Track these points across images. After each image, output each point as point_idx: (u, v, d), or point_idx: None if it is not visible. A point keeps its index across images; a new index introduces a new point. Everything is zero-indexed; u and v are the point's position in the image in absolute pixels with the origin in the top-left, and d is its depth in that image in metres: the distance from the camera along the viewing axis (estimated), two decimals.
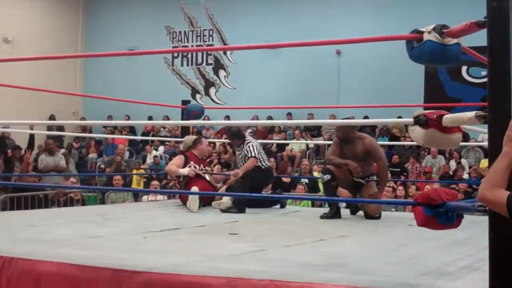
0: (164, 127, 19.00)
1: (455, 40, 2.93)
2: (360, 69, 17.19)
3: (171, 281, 3.26)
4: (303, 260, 3.73)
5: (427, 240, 4.55)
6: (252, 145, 7.51)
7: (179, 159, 7.86)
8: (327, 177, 6.50)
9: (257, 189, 7.39)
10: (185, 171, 7.50)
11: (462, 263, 3.76)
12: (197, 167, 7.61)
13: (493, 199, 2.31)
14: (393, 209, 8.40)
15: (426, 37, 2.92)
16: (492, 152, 2.58)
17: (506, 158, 2.36)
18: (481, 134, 12.34)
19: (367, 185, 6.60)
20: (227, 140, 9.59)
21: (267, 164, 7.63)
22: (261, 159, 7.51)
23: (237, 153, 7.88)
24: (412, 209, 3.09)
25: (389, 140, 15.25)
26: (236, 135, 7.82)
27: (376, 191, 6.60)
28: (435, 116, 3.02)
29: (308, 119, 16.23)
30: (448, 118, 2.98)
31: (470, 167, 13.30)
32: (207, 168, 7.83)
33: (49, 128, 18.24)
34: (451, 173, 12.97)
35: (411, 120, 3.13)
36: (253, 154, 7.45)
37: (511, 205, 2.26)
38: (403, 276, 3.22)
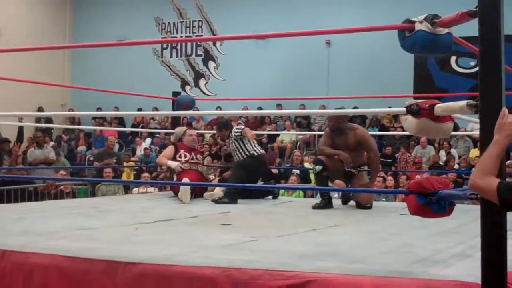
0: (153, 119, 18.97)
1: (446, 30, 2.94)
2: (349, 59, 17.22)
3: (164, 272, 3.27)
4: (296, 250, 3.74)
5: (418, 228, 4.58)
6: (238, 128, 7.54)
7: (169, 150, 7.85)
8: (318, 167, 6.52)
9: (252, 177, 7.40)
10: (172, 164, 7.49)
11: (454, 250, 3.79)
12: (187, 155, 7.60)
13: (484, 186, 2.34)
14: (384, 199, 8.44)
15: (417, 27, 2.94)
16: (483, 140, 2.61)
17: (497, 146, 2.39)
18: (470, 124, 12.40)
19: (358, 175, 6.63)
20: (214, 132, 9.53)
21: (260, 151, 7.60)
22: (253, 146, 7.48)
23: (229, 146, 7.87)
24: (404, 198, 3.11)
25: (379, 131, 15.30)
26: (223, 124, 7.81)
27: (367, 181, 6.63)
28: (427, 105, 3.04)
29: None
30: (440, 107, 3.00)
31: (459, 157, 13.36)
32: (198, 157, 7.80)
33: (38, 120, 18.17)
34: (441, 163, 13.03)
35: (403, 109, 3.14)
36: (243, 127, 7.51)
37: (501, 192, 2.29)
38: (395, 264, 3.24)
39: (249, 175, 7.27)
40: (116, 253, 3.61)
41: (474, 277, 2.74)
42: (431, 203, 2.96)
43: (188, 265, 3.26)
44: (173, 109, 8.51)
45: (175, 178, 7.45)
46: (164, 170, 8.65)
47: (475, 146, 13.15)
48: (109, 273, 3.45)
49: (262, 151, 7.82)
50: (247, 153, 7.39)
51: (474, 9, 2.68)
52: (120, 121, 19.51)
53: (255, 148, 7.47)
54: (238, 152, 7.44)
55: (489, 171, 2.35)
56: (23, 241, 4.06)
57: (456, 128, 13.45)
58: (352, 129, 6.63)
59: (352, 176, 6.65)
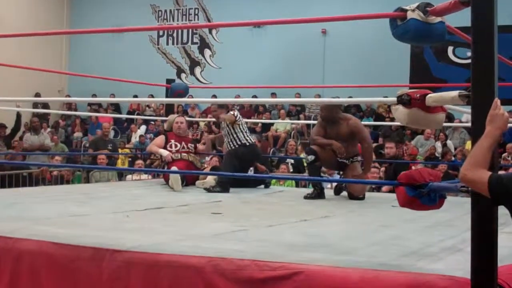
0: (149, 106, 18.92)
1: (439, 19, 2.90)
2: (345, 49, 17.16)
3: (151, 260, 3.24)
4: (285, 240, 3.71)
5: (410, 221, 4.55)
6: (234, 113, 7.47)
7: (159, 139, 7.83)
8: (311, 157, 6.48)
9: (244, 167, 7.37)
10: (163, 152, 7.46)
11: (445, 244, 3.75)
12: (178, 145, 7.56)
13: (474, 179, 2.30)
14: (374, 190, 8.42)
15: (410, 15, 2.89)
16: (476, 132, 2.56)
17: (489, 138, 2.35)
18: (465, 115, 12.36)
19: (351, 165, 6.60)
20: (212, 119, 9.43)
21: (251, 141, 7.55)
22: (245, 134, 7.43)
23: (222, 131, 7.79)
24: (394, 189, 3.07)
25: (375, 120, 15.26)
26: (221, 105, 7.75)
27: (360, 171, 6.60)
28: (418, 96, 2.99)
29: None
30: (432, 97, 2.95)
31: (455, 149, 13.33)
32: (189, 145, 7.74)
33: (35, 106, 18.11)
34: (437, 154, 12.98)
35: (394, 99, 3.10)
36: (232, 112, 7.46)
37: (492, 185, 2.25)
38: (385, 257, 3.21)
39: (241, 164, 7.24)
40: (104, 240, 3.58)
41: (464, 272, 2.70)
42: (421, 196, 2.92)
43: (174, 254, 3.23)
44: (167, 97, 8.46)
45: (165, 167, 7.42)
46: (158, 157, 8.59)
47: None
48: (96, 260, 3.42)
49: (254, 141, 7.77)
50: (238, 142, 7.35)
51: None
52: (116, 108, 19.47)
53: (246, 137, 7.42)
54: (229, 140, 7.40)
55: (480, 164, 2.31)
56: (12, 227, 4.02)
57: (451, 119, 13.43)
58: (345, 119, 6.59)
59: (345, 166, 6.62)
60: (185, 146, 7.61)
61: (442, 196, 3.01)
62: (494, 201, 2.35)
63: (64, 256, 3.51)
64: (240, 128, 7.38)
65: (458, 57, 15.00)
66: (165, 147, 7.56)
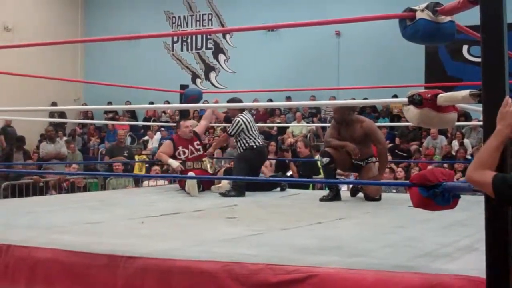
0: (165, 112, 18.97)
1: (448, 18, 2.88)
2: (360, 50, 17.11)
3: (165, 266, 3.24)
4: (299, 244, 3.69)
5: (426, 221, 4.51)
6: (238, 122, 7.42)
7: (167, 146, 7.74)
8: (325, 160, 6.45)
9: (253, 170, 7.36)
10: (173, 164, 7.41)
11: (460, 244, 3.72)
12: (186, 151, 7.52)
13: (479, 179, 2.28)
14: (394, 190, 8.37)
15: (419, 15, 2.87)
16: (487, 131, 2.54)
17: (497, 137, 2.32)
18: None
19: (366, 167, 6.57)
20: (225, 124, 9.40)
21: (259, 143, 7.52)
22: (253, 138, 7.40)
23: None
24: (407, 190, 3.05)
25: (391, 121, 15.18)
26: (233, 100, 7.75)
27: (376, 173, 6.57)
28: (429, 95, 2.97)
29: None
30: (443, 97, 2.93)
31: (472, 147, 13.24)
32: (196, 146, 7.65)
33: (51, 115, 18.21)
34: (453, 153, 12.91)
35: (405, 100, 3.08)
36: (229, 131, 7.44)
37: (496, 185, 2.22)
38: (399, 258, 3.19)
39: (251, 167, 7.24)
40: (118, 247, 3.59)
41: (479, 271, 2.68)
42: (435, 196, 2.89)
43: (188, 260, 3.23)
44: (181, 103, 8.46)
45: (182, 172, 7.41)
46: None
47: None
48: (111, 268, 3.43)
49: (262, 143, 7.70)
50: (246, 145, 7.34)
51: None
52: (132, 115, 19.53)
53: (255, 140, 7.39)
54: (238, 143, 7.43)
55: (487, 164, 2.28)
56: (27, 236, 4.05)
57: (468, 118, 13.34)
58: (358, 121, 6.56)
59: (360, 168, 6.59)
60: (193, 150, 7.56)
61: (456, 195, 2.98)
62: (500, 201, 2.32)
63: (79, 264, 3.52)
64: (247, 133, 7.35)
65: (473, 56, 14.91)
66: (173, 155, 7.52)
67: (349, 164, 6.60)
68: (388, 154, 7.21)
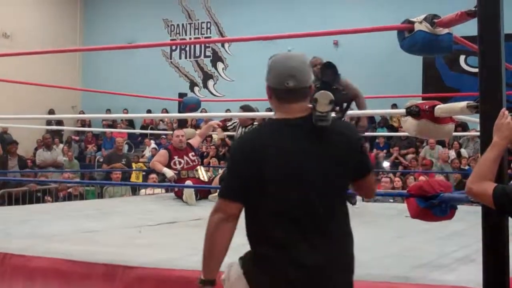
0: (162, 121, 18.96)
1: (446, 30, 2.90)
2: (358, 60, 17.13)
3: (163, 276, 3.25)
4: None
5: (424, 231, 4.52)
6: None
7: (162, 156, 7.67)
8: None
9: None
10: (168, 173, 7.36)
11: (458, 254, 3.73)
12: (182, 161, 7.52)
13: (479, 191, 2.28)
14: (391, 200, 8.37)
15: (417, 27, 2.89)
16: (484, 142, 2.55)
17: (494, 149, 2.33)
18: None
19: None
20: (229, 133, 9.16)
21: None
22: None
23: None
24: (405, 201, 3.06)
25: (389, 131, 15.17)
26: (247, 108, 7.50)
27: None
28: (427, 107, 2.99)
29: None
30: (440, 108, 2.94)
31: (469, 157, 13.25)
32: (191, 156, 7.62)
33: (48, 122, 18.20)
34: (449, 162, 12.91)
35: (403, 111, 3.10)
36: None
37: (496, 196, 2.23)
38: (397, 269, 3.20)
39: None
40: (116, 257, 3.59)
41: (476, 283, 2.69)
42: (432, 207, 2.91)
43: (186, 270, 3.23)
44: (179, 111, 8.46)
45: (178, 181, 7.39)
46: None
47: None
48: (109, 277, 3.44)
49: None
50: None
51: (474, 9, 2.63)
52: (130, 123, 19.52)
53: None
54: None
55: (486, 176, 2.29)
56: (24, 244, 4.05)
57: (466, 128, 13.36)
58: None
59: None
60: (188, 160, 7.53)
61: (453, 206, 3.00)
62: (500, 212, 2.34)
63: (77, 273, 3.53)
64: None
65: (470, 66, 14.94)
66: (169, 164, 7.50)
67: None
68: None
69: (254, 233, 2.34)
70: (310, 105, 2.22)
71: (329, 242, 2.20)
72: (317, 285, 2.17)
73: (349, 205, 2.42)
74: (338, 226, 2.26)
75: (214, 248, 2.31)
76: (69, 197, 10.10)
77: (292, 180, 2.19)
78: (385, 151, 14.37)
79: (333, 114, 2.28)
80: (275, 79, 2.28)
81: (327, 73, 2.35)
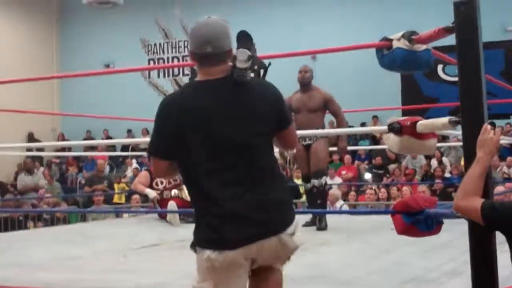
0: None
1: (424, 46, 2.90)
2: (336, 72, 17.18)
3: None
4: (286, 273, 3.65)
5: (409, 244, 4.49)
6: None
7: (144, 176, 7.68)
8: (309, 185, 6.33)
9: None
10: (150, 194, 7.36)
11: (445, 267, 3.73)
12: (164, 181, 7.47)
13: (467, 207, 2.29)
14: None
15: (395, 44, 2.89)
16: (468, 157, 2.55)
17: (479, 165, 2.34)
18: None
19: (316, 142, 6.31)
20: None
21: None
22: None
23: None
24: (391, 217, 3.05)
25: (371, 144, 15.16)
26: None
27: (324, 143, 6.32)
28: (409, 123, 2.98)
29: None
30: (422, 124, 2.94)
31: (451, 165, 13.31)
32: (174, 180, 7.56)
33: (29, 147, 18.04)
34: (432, 171, 12.97)
35: (385, 128, 3.09)
36: None
37: (485, 212, 2.23)
38: (386, 285, 3.19)
39: None
40: (101, 284, 3.55)
41: None
42: (418, 223, 2.90)
43: None
44: None
45: (157, 205, 7.35)
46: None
47: None
48: None
49: None
50: None
51: (451, 25, 2.64)
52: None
53: None
54: None
55: (472, 192, 2.29)
56: (7, 274, 3.99)
57: (446, 138, 13.44)
58: (318, 89, 6.58)
59: (310, 146, 6.34)
60: (170, 180, 7.50)
61: (439, 221, 2.99)
62: (488, 227, 2.34)
63: None
64: None
65: (448, 75, 15.04)
66: (151, 184, 7.48)
67: (303, 153, 6.39)
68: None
69: (189, 189, 2.48)
70: (231, 64, 2.36)
71: (252, 191, 2.31)
72: (242, 226, 2.29)
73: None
74: (261, 175, 2.36)
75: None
76: (52, 220, 10.00)
77: (213, 136, 2.31)
78: (366, 162, 14.40)
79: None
80: (194, 44, 2.43)
81: (243, 41, 2.44)
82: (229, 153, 2.31)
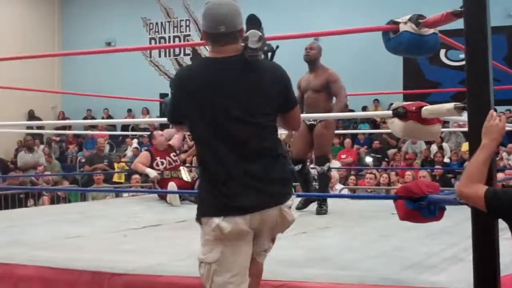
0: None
1: (431, 30, 2.87)
2: (338, 55, 17.10)
3: (150, 283, 3.22)
4: (285, 256, 3.66)
5: (410, 229, 4.48)
6: None
7: (144, 157, 7.67)
8: (298, 167, 6.24)
9: None
10: (151, 173, 7.35)
11: (446, 253, 3.73)
12: (164, 162, 7.49)
13: (470, 194, 2.28)
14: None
15: (402, 28, 2.87)
16: (472, 143, 2.53)
17: (484, 151, 2.32)
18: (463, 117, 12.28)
19: (319, 124, 6.21)
20: None
21: None
22: None
23: None
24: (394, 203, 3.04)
25: (372, 128, 15.15)
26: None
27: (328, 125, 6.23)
28: (414, 108, 2.96)
29: None
30: (427, 109, 2.92)
31: (451, 151, 13.29)
32: (173, 157, 7.60)
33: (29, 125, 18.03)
34: (432, 156, 12.95)
35: (390, 112, 3.07)
36: None
37: (488, 199, 2.22)
38: (386, 270, 3.19)
39: None
40: (102, 263, 3.55)
41: (466, 284, 2.68)
42: (420, 208, 2.89)
43: (173, 275, 3.21)
44: (160, 111, 8.42)
45: (156, 185, 7.36)
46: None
47: (467, 140, 13.02)
48: (95, 285, 3.39)
49: None
50: None
51: (460, 9, 2.61)
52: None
53: None
54: None
55: (476, 178, 2.28)
56: (9, 252, 4.00)
57: (446, 122, 13.39)
58: (324, 67, 6.49)
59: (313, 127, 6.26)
60: (170, 161, 7.52)
61: (442, 207, 2.98)
62: (491, 215, 2.33)
63: (63, 282, 3.47)
64: None
65: (451, 60, 14.98)
66: (151, 165, 7.47)
67: (306, 132, 6.26)
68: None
69: (200, 157, 2.57)
70: (243, 44, 2.47)
71: (258, 165, 2.44)
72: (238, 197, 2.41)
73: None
74: (267, 153, 2.48)
75: None
76: (52, 199, 10.00)
77: (218, 108, 2.43)
78: (365, 146, 14.37)
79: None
80: (209, 25, 2.50)
81: (252, 24, 2.54)
82: (236, 126, 2.42)
